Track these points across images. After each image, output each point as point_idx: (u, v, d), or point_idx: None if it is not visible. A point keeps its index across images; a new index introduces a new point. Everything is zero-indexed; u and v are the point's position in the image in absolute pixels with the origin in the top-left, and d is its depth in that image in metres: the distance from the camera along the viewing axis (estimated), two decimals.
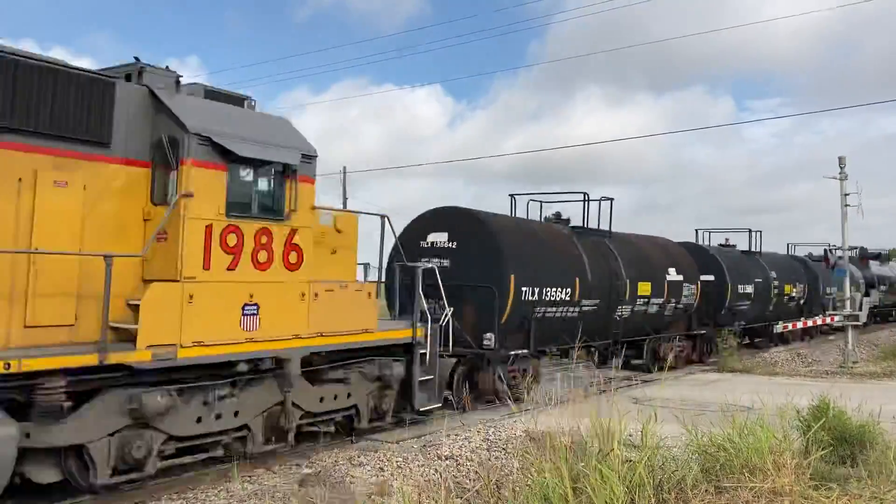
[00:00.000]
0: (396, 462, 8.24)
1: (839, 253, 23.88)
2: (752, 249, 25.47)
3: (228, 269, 8.03)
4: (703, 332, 20.66)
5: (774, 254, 27.89)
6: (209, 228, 7.86)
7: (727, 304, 21.79)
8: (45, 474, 7.08)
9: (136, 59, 8.27)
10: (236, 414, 8.40)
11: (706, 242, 24.65)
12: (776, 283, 25.09)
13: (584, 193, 16.74)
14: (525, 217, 16.52)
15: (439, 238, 13.71)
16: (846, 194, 21.03)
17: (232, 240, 8.08)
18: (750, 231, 25.67)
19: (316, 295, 8.95)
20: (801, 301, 27.62)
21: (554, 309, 14.07)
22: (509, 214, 16.13)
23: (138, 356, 7.21)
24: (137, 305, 7.35)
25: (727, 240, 25.27)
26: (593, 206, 16.79)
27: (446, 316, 11.49)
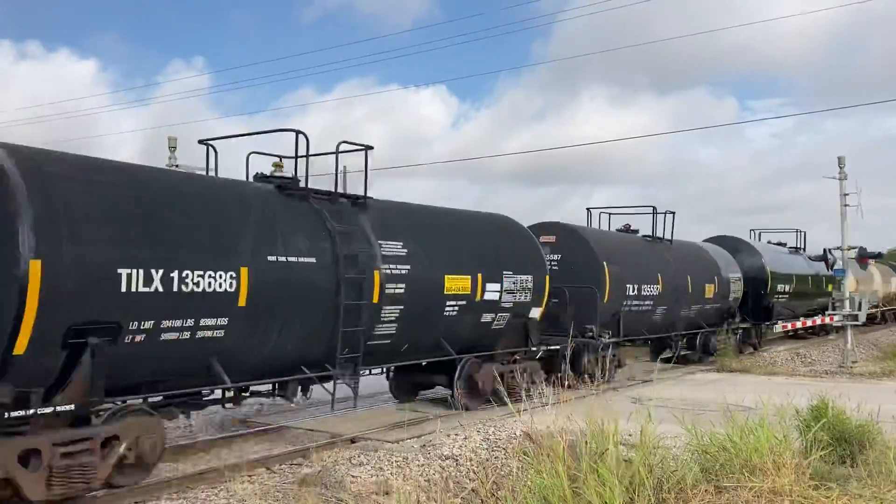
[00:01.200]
0: (396, 462, 8.25)
1: (838, 252, 23.87)
2: (345, 191, 10.89)
3: None
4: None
5: (445, 210, 13.09)
6: None
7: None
8: None
9: None
10: None
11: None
12: (396, 270, 10.65)
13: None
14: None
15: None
16: (846, 194, 21.04)
17: None
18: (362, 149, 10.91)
19: None
20: (521, 314, 13.20)
21: None
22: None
23: None
24: None
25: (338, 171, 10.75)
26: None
27: None
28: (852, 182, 21.09)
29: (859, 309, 21.70)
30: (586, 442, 6.04)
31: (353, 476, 7.75)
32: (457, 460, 8.32)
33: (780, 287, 24.39)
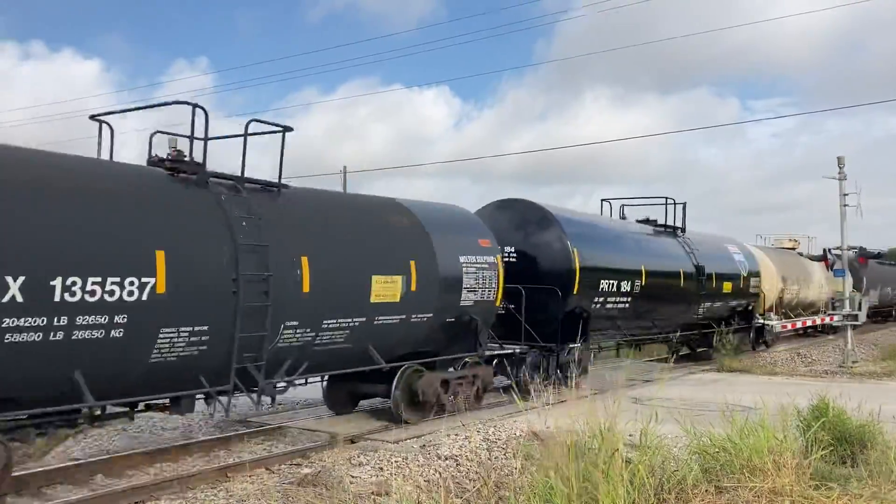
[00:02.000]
0: (396, 462, 8.24)
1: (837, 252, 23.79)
2: None
3: None
4: None
5: None
6: None
7: None
8: None
9: None
10: None
11: None
12: None
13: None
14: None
15: None
16: (845, 194, 21.05)
17: None
18: None
19: None
20: None
21: None
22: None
23: None
24: None
25: None
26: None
27: None
28: (852, 182, 21.09)
29: (859, 309, 21.68)
30: (589, 442, 6.03)
31: (353, 476, 7.75)
32: (457, 460, 8.32)
33: (604, 285, 14.89)
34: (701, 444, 6.78)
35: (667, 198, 19.28)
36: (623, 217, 19.20)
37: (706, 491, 5.79)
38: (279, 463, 8.87)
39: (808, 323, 26.05)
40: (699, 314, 19.50)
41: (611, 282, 15.29)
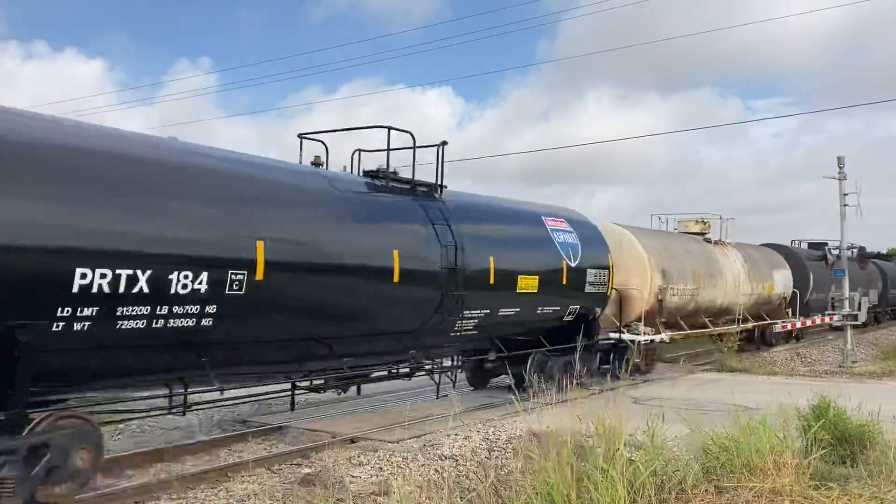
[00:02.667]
0: (396, 462, 8.25)
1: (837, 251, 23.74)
2: None
3: None
4: None
5: None
6: None
7: None
8: None
9: None
10: None
11: None
12: None
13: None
14: None
15: None
16: (845, 194, 21.07)
17: None
18: None
19: None
20: None
21: None
22: None
23: None
24: None
25: None
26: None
27: None
28: (852, 182, 21.12)
29: (859, 309, 21.69)
30: (592, 442, 6.04)
31: (353, 476, 7.75)
32: (457, 460, 8.33)
33: (99, 282, 6.80)
34: (703, 443, 6.79)
35: (389, 128, 11.25)
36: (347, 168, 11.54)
37: (706, 491, 5.80)
38: (280, 463, 8.88)
39: (808, 323, 25.65)
40: (456, 330, 11.23)
41: (126, 273, 6.99)
